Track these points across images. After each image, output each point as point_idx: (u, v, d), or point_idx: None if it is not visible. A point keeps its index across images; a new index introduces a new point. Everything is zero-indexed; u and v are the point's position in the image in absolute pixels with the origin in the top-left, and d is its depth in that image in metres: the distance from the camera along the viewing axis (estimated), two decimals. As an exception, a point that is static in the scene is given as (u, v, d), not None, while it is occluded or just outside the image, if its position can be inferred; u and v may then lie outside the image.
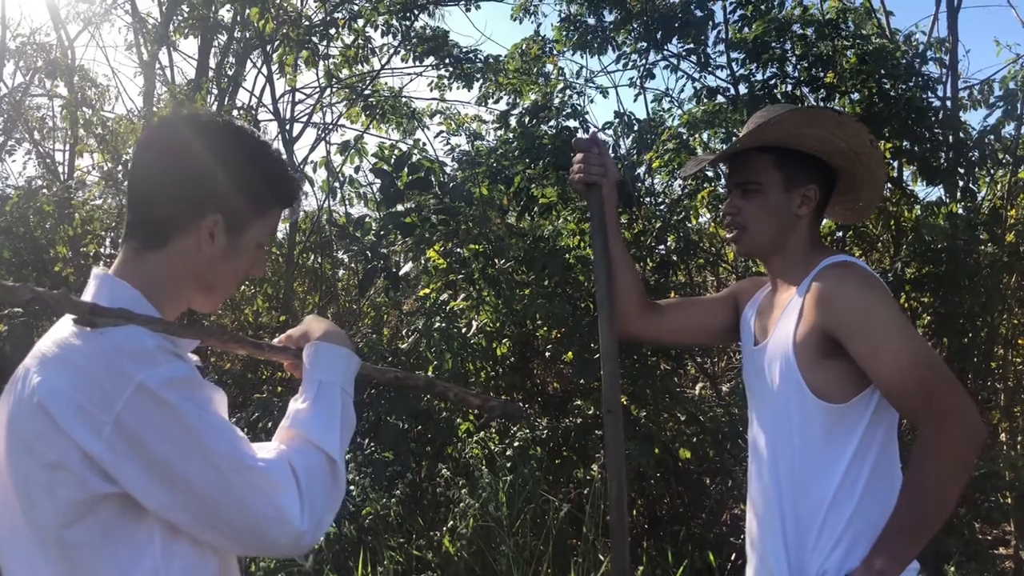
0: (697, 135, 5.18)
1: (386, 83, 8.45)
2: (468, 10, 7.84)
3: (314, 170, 7.30)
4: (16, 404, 1.36)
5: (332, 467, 1.42)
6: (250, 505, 1.33)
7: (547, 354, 5.04)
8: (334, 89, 7.87)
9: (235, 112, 7.25)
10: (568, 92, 5.79)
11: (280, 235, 7.62)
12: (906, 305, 4.72)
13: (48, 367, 1.33)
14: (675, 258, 5.10)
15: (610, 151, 3.13)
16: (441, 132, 6.40)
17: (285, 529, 1.34)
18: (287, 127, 7.73)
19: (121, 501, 1.32)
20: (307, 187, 7.41)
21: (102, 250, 7.03)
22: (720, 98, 5.36)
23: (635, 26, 5.39)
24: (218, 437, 1.33)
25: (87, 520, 1.31)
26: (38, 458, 1.31)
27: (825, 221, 2.31)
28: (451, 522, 4.46)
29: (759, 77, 5.12)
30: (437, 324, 4.66)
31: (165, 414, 1.29)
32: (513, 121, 5.59)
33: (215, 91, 7.68)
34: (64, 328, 1.38)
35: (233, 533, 1.35)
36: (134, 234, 1.48)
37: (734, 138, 4.80)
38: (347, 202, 7.36)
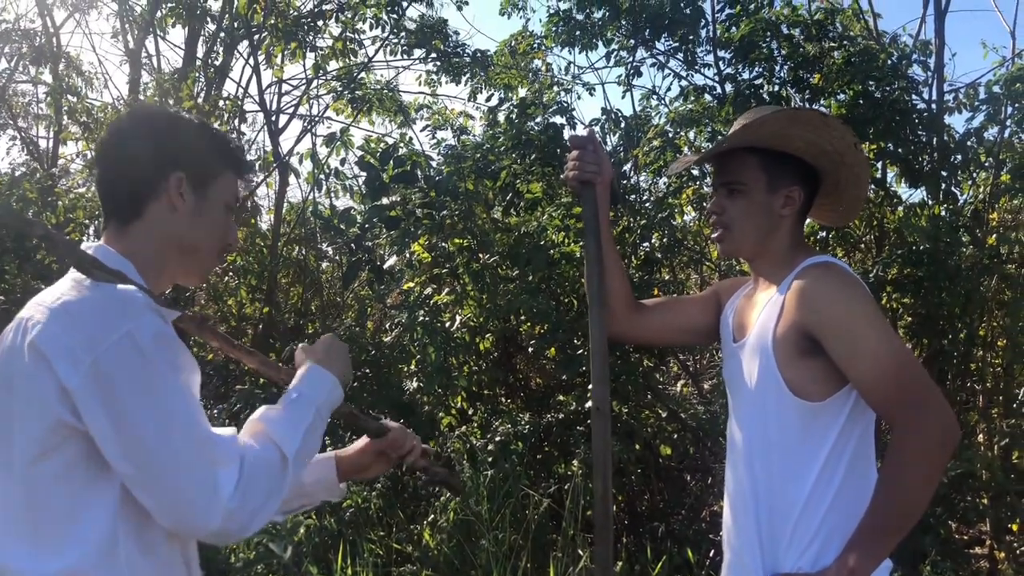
0: (683, 133, 5.19)
1: (380, 75, 8.44)
2: (460, 8, 7.82)
3: (300, 162, 7.27)
4: (8, 351, 1.46)
5: (283, 463, 1.49)
6: (189, 470, 1.39)
7: (530, 349, 5.05)
8: (321, 81, 7.85)
9: (221, 102, 7.21)
10: (556, 88, 5.79)
11: (264, 226, 7.60)
12: (887, 306, 4.75)
13: (45, 314, 1.43)
14: (659, 256, 5.12)
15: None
16: (427, 126, 6.38)
17: (213, 504, 1.39)
18: (273, 118, 7.69)
19: (88, 444, 1.40)
20: (292, 179, 7.39)
21: (85, 239, 6.98)
22: (707, 96, 5.37)
23: (623, 23, 5.39)
24: (180, 400, 1.42)
25: (53, 457, 1.39)
26: (20, 394, 1.41)
27: (809, 221, 2.32)
28: (431, 516, 4.47)
29: (746, 76, 5.14)
30: (421, 318, 4.65)
31: (141, 365, 1.38)
32: (501, 117, 5.59)
33: (202, 81, 7.63)
34: (62, 284, 1.49)
35: (164, 496, 1.40)
36: (113, 214, 1.60)
37: (719, 136, 4.82)
38: (332, 194, 7.35)
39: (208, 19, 7.75)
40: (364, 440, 1.92)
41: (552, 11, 5.68)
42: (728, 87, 5.22)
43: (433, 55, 7.57)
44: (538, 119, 5.27)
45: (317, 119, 7.91)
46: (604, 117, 5.55)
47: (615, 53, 5.61)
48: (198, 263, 1.67)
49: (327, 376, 1.65)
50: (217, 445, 1.44)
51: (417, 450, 1.88)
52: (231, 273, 6.86)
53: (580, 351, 4.50)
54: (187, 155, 1.60)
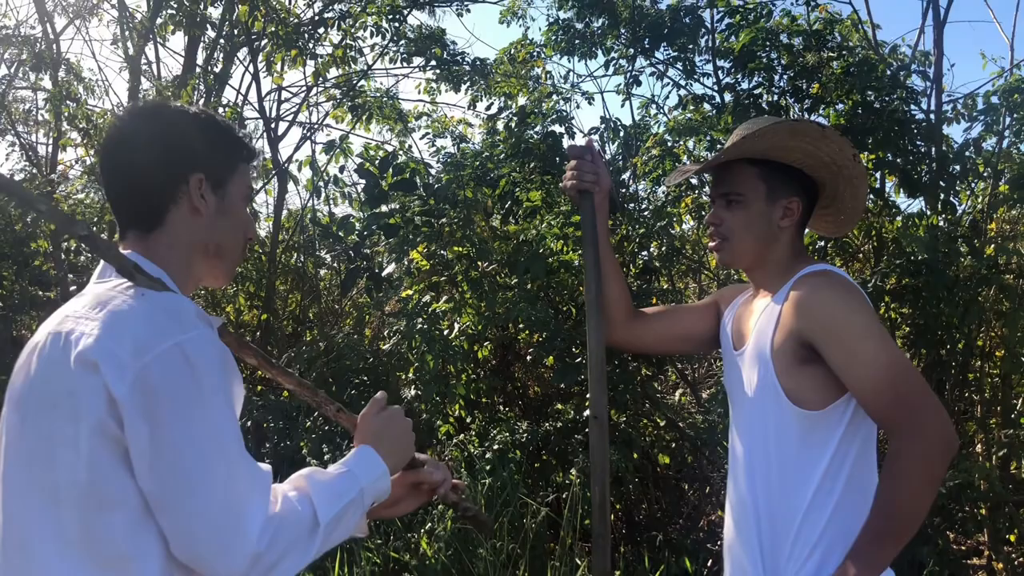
0: (682, 142, 5.20)
1: (380, 83, 8.46)
2: (460, 15, 7.87)
3: (299, 169, 7.26)
4: (45, 366, 1.38)
5: (313, 526, 1.42)
6: (216, 501, 1.31)
7: (528, 358, 5.05)
8: (321, 89, 7.85)
9: (220, 109, 7.21)
10: (555, 97, 5.80)
11: (263, 233, 7.59)
12: (885, 316, 4.75)
13: (91, 325, 1.35)
14: (658, 264, 5.12)
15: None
16: (427, 134, 6.39)
17: (236, 544, 1.32)
18: (272, 125, 7.70)
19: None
20: (291, 186, 7.39)
21: (83, 245, 6.98)
22: (706, 106, 5.38)
23: (623, 32, 5.41)
24: (223, 423, 1.35)
25: (107, 484, 1.31)
26: (67, 413, 1.32)
27: (807, 231, 2.33)
28: (429, 524, 4.46)
29: (745, 86, 5.15)
30: (419, 326, 4.65)
31: (190, 379, 1.32)
32: (501, 125, 5.61)
33: (202, 87, 7.63)
34: (97, 295, 1.41)
35: (184, 522, 1.32)
36: (131, 224, 1.54)
37: (718, 146, 4.83)
38: (331, 202, 7.35)
39: (208, 26, 7.75)
40: (397, 472, 1.76)
41: (552, 20, 5.70)
42: (727, 96, 5.24)
43: (433, 63, 7.59)
44: (537, 128, 5.28)
45: (316, 126, 7.92)
46: (603, 126, 5.56)
47: (614, 62, 5.63)
48: (225, 263, 1.61)
49: (380, 464, 1.58)
50: (252, 479, 1.37)
51: (449, 482, 1.80)
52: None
53: (579, 359, 4.50)
54: (202, 154, 1.54)
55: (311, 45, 7.25)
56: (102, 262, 1.50)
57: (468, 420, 5.12)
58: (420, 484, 1.78)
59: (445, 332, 4.76)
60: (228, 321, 6.81)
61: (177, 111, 1.61)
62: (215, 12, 7.65)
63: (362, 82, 7.80)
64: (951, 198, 4.91)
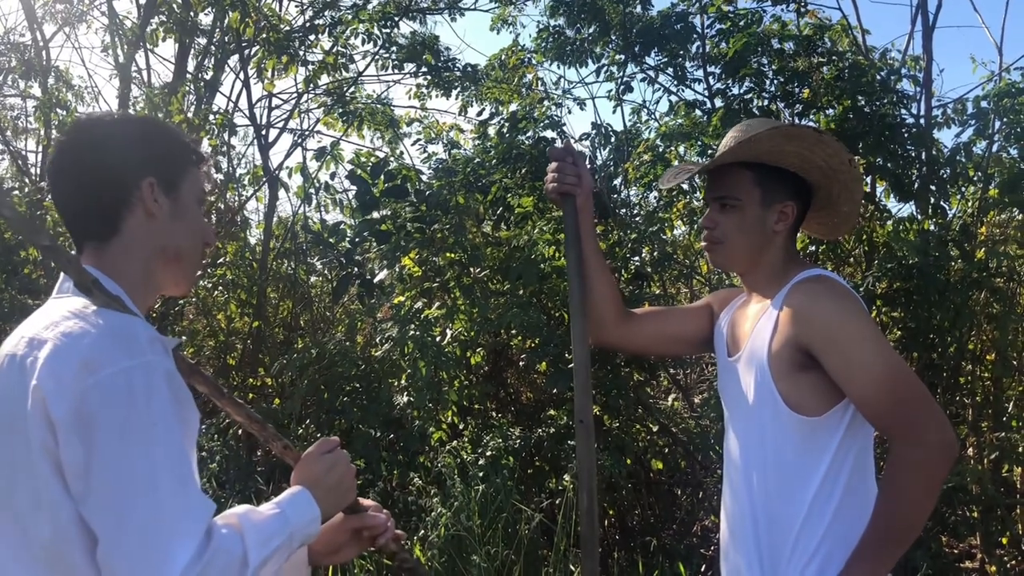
0: (673, 148, 5.21)
1: (373, 90, 8.45)
2: (453, 19, 7.89)
3: (289, 176, 7.24)
4: (2, 390, 1.37)
5: (242, 568, 1.36)
6: (141, 529, 1.26)
7: (521, 363, 5.03)
8: (312, 95, 7.84)
9: (211, 116, 7.20)
10: (546, 103, 5.81)
11: (254, 240, 7.57)
12: (877, 320, 4.76)
13: (42, 348, 1.34)
14: (649, 270, 5.12)
15: (587, 162, 3.14)
16: (418, 140, 6.38)
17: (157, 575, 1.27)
18: (263, 132, 7.68)
19: None
20: (282, 193, 7.37)
21: (73, 254, 6.93)
22: (697, 111, 5.39)
23: (613, 38, 5.42)
24: (160, 455, 1.30)
25: (62, 508, 1.29)
26: (22, 437, 1.31)
27: (800, 235, 2.33)
28: (422, 531, 4.44)
29: (735, 91, 5.16)
30: (411, 332, 4.64)
31: (128, 406, 1.28)
32: (492, 131, 5.60)
33: (192, 94, 7.61)
34: (52, 313, 1.40)
35: (106, 550, 1.28)
36: (87, 237, 1.53)
37: (710, 151, 4.84)
38: (322, 208, 7.33)
39: (199, 33, 7.73)
40: (338, 517, 1.74)
41: (541, 27, 5.70)
42: (718, 102, 5.25)
43: (424, 70, 7.60)
44: (529, 133, 5.28)
45: (307, 133, 7.90)
46: (595, 131, 5.57)
47: (604, 69, 5.64)
48: (185, 269, 1.61)
49: (314, 509, 1.54)
50: (186, 514, 1.31)
51: (391, 531, 1.77)
52: (220, 287, 6.83)
53: (571, 365, 4.49)
54: (151, 157, 1.54)
55: (302, 52, 7.24)
56: (63, 274, 1.49)
57: (461, 426, 5.11)
58: (361, 530, 1.75)
59: (437, 338, 4.75)
60: (219, 329, 6.79)
61: (121, 119, 1.61)
62: (206, 19, 7.64)
63: (353, 88, 7.79)
64: (941, 202, 4.93)
